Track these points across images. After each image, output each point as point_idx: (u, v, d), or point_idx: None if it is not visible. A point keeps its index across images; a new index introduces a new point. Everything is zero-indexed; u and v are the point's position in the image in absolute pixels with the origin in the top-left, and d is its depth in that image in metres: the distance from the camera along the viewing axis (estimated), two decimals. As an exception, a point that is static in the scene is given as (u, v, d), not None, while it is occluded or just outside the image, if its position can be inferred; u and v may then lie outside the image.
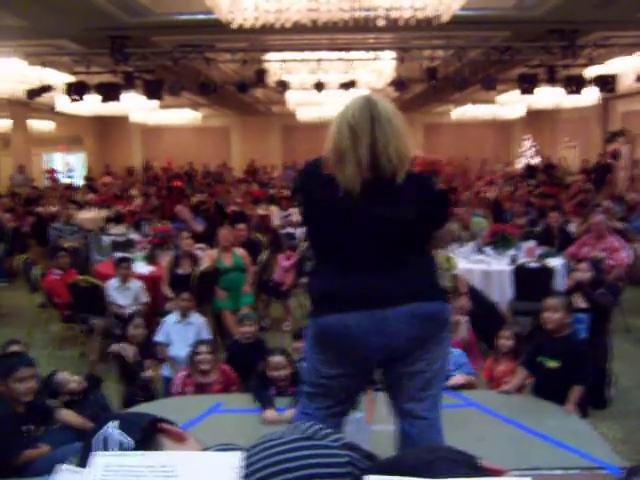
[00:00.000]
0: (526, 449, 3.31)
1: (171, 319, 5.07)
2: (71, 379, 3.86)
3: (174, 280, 6.06)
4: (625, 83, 10.73)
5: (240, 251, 6.62)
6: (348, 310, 2.30)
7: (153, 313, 6.00)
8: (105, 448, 1.07)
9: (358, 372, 2.49)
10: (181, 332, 4.96)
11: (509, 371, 4.37)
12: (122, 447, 1.07)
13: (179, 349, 4.76)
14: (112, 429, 1.10)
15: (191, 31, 9.05)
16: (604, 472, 2.97)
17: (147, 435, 1.10)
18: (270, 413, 3.59)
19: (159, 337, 4.95)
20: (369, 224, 2.30)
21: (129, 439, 1.09)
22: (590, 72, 10.62)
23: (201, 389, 4.14)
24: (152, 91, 10.56)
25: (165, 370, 4.77)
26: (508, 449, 3.33)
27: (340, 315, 2.31)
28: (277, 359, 3.86)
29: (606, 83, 10.18)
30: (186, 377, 4.18)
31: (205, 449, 1.18)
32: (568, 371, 3.94)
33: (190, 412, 3.73)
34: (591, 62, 10.52)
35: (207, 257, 6.59)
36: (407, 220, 2.32)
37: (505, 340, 4.49)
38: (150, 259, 6.93)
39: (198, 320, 5.12)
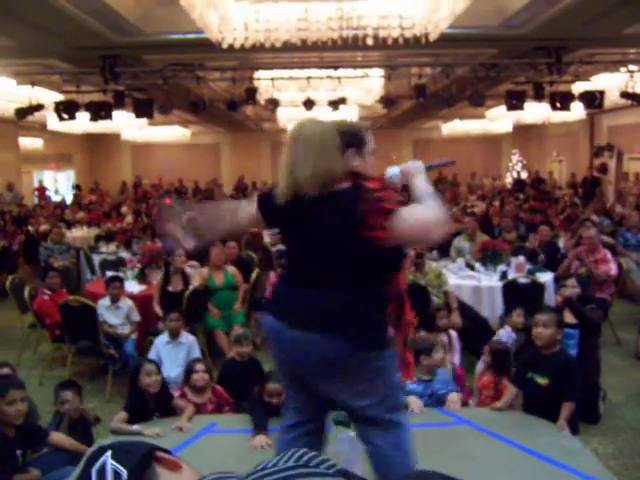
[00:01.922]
0: (518, 466, 3.33)
1: (161, 340, 5.07)
2: (74, 405, 3.84)
3: (165, 298, 6.05)
4: (610, 99, 10.85)
5: (231, 269, 6.62)
6: (277, 318, 2.43)
7: (145, 332, 5.99)
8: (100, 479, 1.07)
9: (298, 385, 2.54)
10: (171, 353, 4.96)
11: (489, 383, 4.45)
12: (116, 478, 1.08)
13: (170, 369, 4.75)
14: (106, 459, 1.10)
15: (181, 50, 9.09)
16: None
17: (142, 465, 1.10)
18: (258, 439, 3.59)
19: (150, 357, 4.94)
20: (298, 238, 2.44)
21: (123, 470, 1.09)
22: (576, 88, 10.75)
23: (195, 409, 4.13)
24: (142, 110, 10.58)
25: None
26: (500, 467, 3.34)
27: (273, 320, 2.45)
28: (273, 386, 3.87)
29: (592, 99, 10.29)
30: (179, 397, 4.17)
31: (201, 479, 1.18)
32: (557, 388, 3.97)
33: (183, 434, 3.73)
34: (577, 78, 10.66)
35: (198, 275, 6.59)
36: (320, 240, 2.37)
37: (485, 356, 4.62)
38: (141, 278, 6.91)
39: (188, 340, 5.11)
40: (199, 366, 4.22)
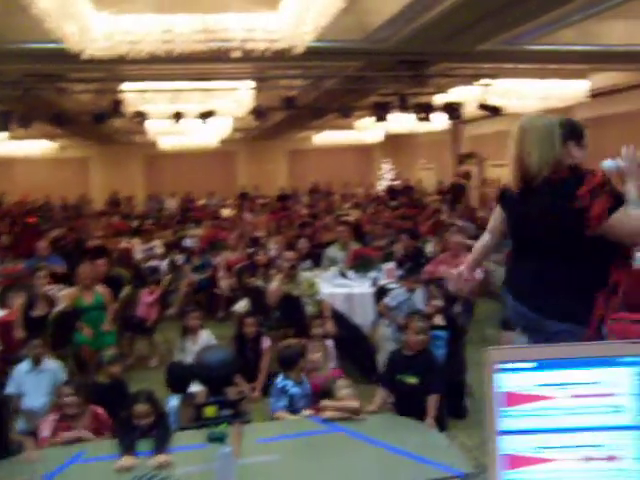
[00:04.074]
0: (390, 467, 3.43)
1: (22, 368, 4.76)
2: None
3: (28, 323, 5.71)
4: (470, 110, 11.51)
5: (100, 288, 6.37)
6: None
7: (5, 361, 5.61)
8: None
9: None
10: (34, 381, 4.67)
11: None
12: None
13: (33, 400, 4.49)
14: None
15: (43, 60, 8.66)
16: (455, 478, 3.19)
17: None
18: (125, 460, 3.47)
19: (10, 388, 4.63)
20: (521, 222, 2.73)
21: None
22: (438, 100, 11.31)
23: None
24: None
25: (20, 424, 4.47)
26: (373, 469, 3.44)
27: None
28: (141, 408, 3.75)
29: (453, 110, 10.88)
30: (58, 421, 3.94)
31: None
32: (426, 385, 4.22)
33: (49, 465, 3.52)
34: (439, 90, 11.22)
35: (65, 296, 6.28)
36: (540, 224, 2.60)
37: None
38: (1, 302, 6.48)
39: (53, 366, 4.84)
40: (65, 390, 4.00)
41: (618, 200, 2.46)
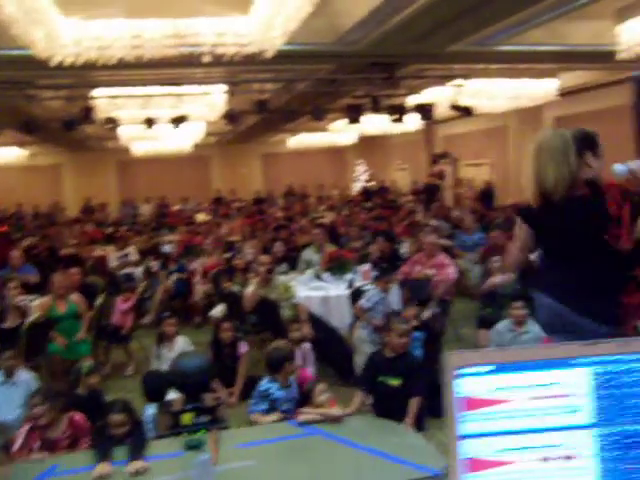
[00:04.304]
0: (368, 469, 3.44)
1: (-7, 380, 4.70)
2: None
3: None
4: (442, 110, 11.60)
5: (74, 297, 6.31)
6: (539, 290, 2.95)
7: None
8: None
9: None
10: (6, 394, 4.61)
11: None
12: None
13: (6, 413, 4.43)
14: None
15: (11, 66, 8.53)
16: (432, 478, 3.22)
17: None
18: (101, 467, 3.44)
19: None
20: (549, 234, 2.82)
21: None
22: (411, 101, 11.38)
23: (48, 445, 3.86)
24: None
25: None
26: (351, 471, 3.45)
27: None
28: (117, 418, 3.72)
29: (425, 111, 10.95)
30: (30, 431, 3.88)
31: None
32: (408, 387, 4.25)
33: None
34: (411, 92, 11.29)
35: (38, 306, 6.21)
36: (567, 236, 2.69)
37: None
38: (-28, 314, 6.39)
39: (26, 377, 4.78)
40: (34, 400, 3.94)
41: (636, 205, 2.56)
